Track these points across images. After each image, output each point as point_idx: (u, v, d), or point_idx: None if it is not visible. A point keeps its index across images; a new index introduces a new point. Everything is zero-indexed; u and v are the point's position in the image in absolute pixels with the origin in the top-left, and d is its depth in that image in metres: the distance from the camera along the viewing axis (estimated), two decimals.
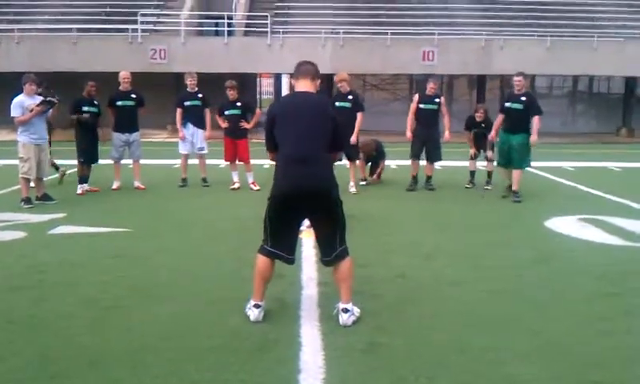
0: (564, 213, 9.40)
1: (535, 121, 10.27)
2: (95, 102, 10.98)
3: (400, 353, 4.33)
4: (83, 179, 10.97)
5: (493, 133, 11.01)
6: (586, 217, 9.10)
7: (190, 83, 11.73)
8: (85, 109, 10.80)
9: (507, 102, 10.66)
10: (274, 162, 5.03)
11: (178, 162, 12.10)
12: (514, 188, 10.48)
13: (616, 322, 5.00)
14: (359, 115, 11.04)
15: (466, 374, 4.04)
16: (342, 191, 4.95)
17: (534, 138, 10.25)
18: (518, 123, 10.35)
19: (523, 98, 10.37)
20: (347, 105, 10.86)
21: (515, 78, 10.55)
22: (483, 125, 11.71)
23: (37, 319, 4.93)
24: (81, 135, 10.90)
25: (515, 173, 10.50)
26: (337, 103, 10.67)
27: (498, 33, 25.08)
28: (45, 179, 10.09)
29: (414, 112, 11.44)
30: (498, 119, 10.81)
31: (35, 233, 7.95)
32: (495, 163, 10.96)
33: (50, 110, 9.77)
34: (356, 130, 10.94)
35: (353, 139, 10.90)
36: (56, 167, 11.75)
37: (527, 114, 10.31)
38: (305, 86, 4.92)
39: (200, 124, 11.75)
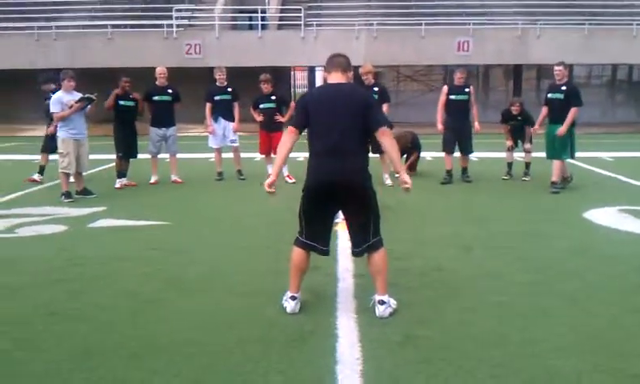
0: (603, 204, 9.26)
1: (571, 112, 10.08)
2: (131, 97, 11.10)
3: (437, 345, 4.31)
4: (121, 174, 11.12)
5: (537, 126, 10.94)
6: (625, 208, 8.95)
7: (220, 77, 11.83)
8: (121, 103, 10.92)
9: (549, 92, 10.60)
10: (287, 142, 4.91)
11: (214, 156, 12.19)
12: (553, 179, 10.35)
13: None
14: (385, 106, 10.96)
15: (505, 366, 4.00)
16: (377, 183, 4.94)
17: (561, 129, 10.07)
18: (559, 113, 10.22)
19: (564, 88, 10.28)
20: (374, 96, 10.79)
21: (556, 68, 10.43)
22: (519, 118, 11.59)
23: (77, 311, 5.02)
24: (119, 130, 11.04)
25: (555, 163, 10.38)
26: None
27: (534, 21, 24.74)
28: (84, 173, 10.25)
29: (443, 104, 11.29)
30: (543, 112, 10.71)
31: (75, 226, 8.09)
32: (546, 156, 10.83)
33: (89, 106, 9.91)
34: None
35: None
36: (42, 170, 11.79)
37: (568, 103, 10.16)
38: (337, 78, 4.90)
39: (230, 117, 11.84)
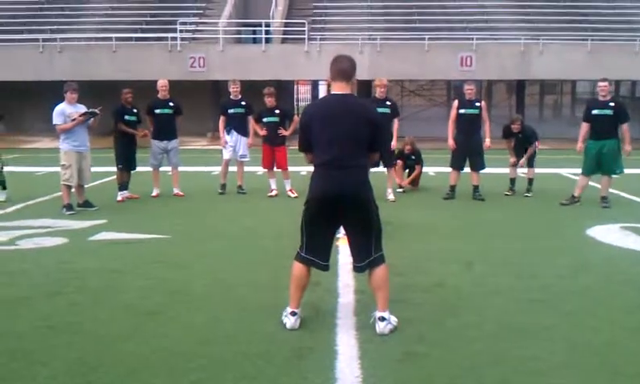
0: (606, 221, 9.23)
1: (626, 130, 10.28)
2: (134, 110, 11.12)
3: (437, 363, 4.28)
4: (123, 186, 11.11)
5: (580, 144, 10.80)
6: (628, 225, 8.92)
7: (234, 90, 11.77)
8: (126, 118, 10.94)
9: (594, 109, 10.51)
10: (311, 163, 4.96)
11: (216, 170, 12.17)
12: (602, 194, 10.51)
13: None
14: (396, 121, 11.02)
15: None
16: (379, 198, 4.91)
17: (628, 147, 10.26)
18: (607, 129, 10.29)
19: (612, 104, 10.36)
20: (387, 111, 10.82)
21: (600, 84, 10.53)
22: (520, 135, 11.57)
23: (76, 325, 5.00)
24: (119, 142, 11.04)
25: (604, 180, 10.53)
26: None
27: (536, 37, 24.76)
28: (86, 186, 10.24)
29: (454, 119, 11.12)
30: (583, 128, 10.68)
31: (76, 239, 8.07)
32: (581, 171, 10.85)
33: (92, 119, 9.92)
34: (394, 136, 10.92)
35: (393, 145, 10.90)
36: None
37: (617, 119, 10.26)
38: (341, 88, 4.80)
39: (243, 131, 11.76)
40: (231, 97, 11.82)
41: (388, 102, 10.95)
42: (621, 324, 5.06)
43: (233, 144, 11.75)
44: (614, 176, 10.62)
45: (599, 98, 10.48)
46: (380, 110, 10.69)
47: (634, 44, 24.23)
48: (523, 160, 11.55)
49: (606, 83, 10.42)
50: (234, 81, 12.00)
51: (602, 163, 10.41)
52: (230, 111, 11.72)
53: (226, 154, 11.86)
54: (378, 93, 10.99)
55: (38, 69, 24.41)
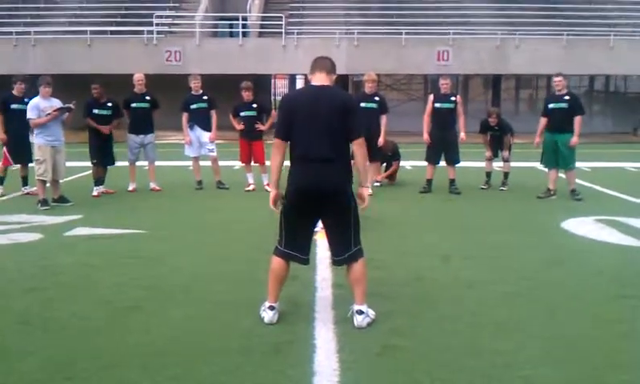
0: (580, 214, 9.33)
1: (577, 121, 10.42)
2: (109, 104, 11.00)
3: (415, 356, 4.30)
4: (99, 181, 11.00)
5: (537, 139, 10.96)
6: (602, 218, 9.02)
7: (195, 86, 11.71)
8: (95, 111, 10.83)
9: (550, 103, 10.79)
10: (277, 154, 4.81)
11: (192, 165, 12.09)
12: (570, 187, 10.67)
13: (632, 324, 4.95)
14: (384, 117, 11.02)
15: (481, 376, 4.01)
16: (357, 192, 4.91)
17: (574, 139, 10.40)
18: (563, 123, 10.47)
19: (567, 98, 10.55)
20: (374, 106, 10.85)
21: (555, 79, 10.74)
22: (497, 128, 11.65)
23: (52, 320, 4.96)
24: (93, 138, 10.91)
25: (568, 174, 10.73)
26: (362, 104, 10.63)
27: (513, 32, 24.94)
28: (61, 181, 10.13)
29: (429, 113, 11.16)
30: (542, 123, 10.84)
31: (51, 234, 7.99)
32: (540, 164, 11.09)
33: (66, 114, 9.82)
34: (383, 131, 10.94)
35: (380, 141, 10.90)
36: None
37: (572, 113, 10.45)
38: (320, 79, 4.81)
39: (207, 126, 11.68)
40: (192, 92, 11.75)
41: (376, 98, 10.98)
42: (595, 316, 5.12)
43: (196, 139, 11.70)
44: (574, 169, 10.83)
45: (555, 93, 10.76)
46: (368, 105, 10.79)
47: (609, 39, 24.53)
48: (506, 152, 11.62)
49: (560, 78, 10.66)
50: (195, 76, 11.96)
51: (558, 158, 10.60)
52: (193, 106, 11.63)
53: (191, 152, 11.81)
54: (367, 88, 11.02)
55: (12, 63, 24.04)
